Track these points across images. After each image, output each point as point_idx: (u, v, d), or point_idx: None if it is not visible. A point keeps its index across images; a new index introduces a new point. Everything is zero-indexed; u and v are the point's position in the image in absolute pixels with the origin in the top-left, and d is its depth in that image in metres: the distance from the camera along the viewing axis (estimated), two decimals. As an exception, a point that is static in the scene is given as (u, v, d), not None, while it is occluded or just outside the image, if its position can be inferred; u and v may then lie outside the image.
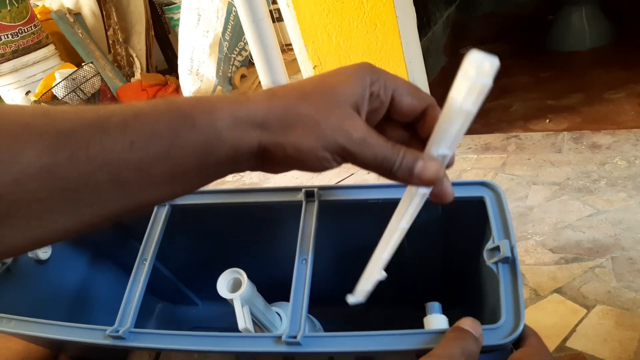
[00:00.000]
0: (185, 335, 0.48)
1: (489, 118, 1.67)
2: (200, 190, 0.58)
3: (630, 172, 1.21)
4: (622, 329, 0.86)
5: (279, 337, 0.44)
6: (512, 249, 0.44)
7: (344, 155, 0.30)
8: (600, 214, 1.11)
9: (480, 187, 0.52)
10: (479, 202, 0.51)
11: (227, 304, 0.55)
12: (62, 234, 0.26)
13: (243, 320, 0.51)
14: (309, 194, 0.54)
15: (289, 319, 0.45)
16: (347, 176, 1.59)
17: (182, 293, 0.90)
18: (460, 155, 1.50)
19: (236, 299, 0.53)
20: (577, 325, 0.89)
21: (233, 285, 0.54)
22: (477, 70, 0.29)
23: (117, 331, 0.49)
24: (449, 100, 0.31)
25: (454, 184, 0.51)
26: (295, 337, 0.43)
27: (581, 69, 1.84)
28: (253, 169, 0.31)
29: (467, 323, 0.39)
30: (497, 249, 0.45)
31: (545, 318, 0.93)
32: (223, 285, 0.54)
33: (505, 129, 1.57)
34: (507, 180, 1.31)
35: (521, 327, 0.40)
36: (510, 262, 0.44)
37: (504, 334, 0.40)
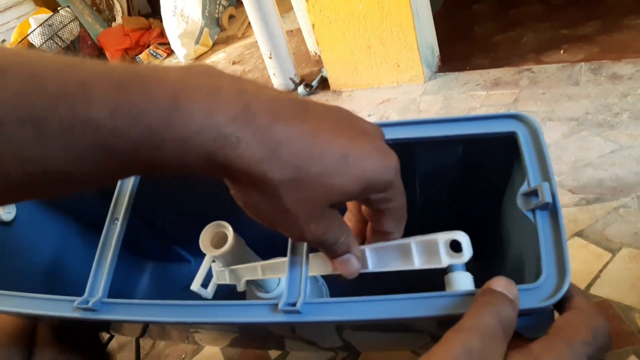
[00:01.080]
0: (165, 305, 0.42)
1: (498, 52, 1.56)
2: None
3: (655, 103, 1.11)
4: (652, 273, 0.79)
5: (275, 305, 0.37)
6: (553, 193, 0.37)
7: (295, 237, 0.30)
8: (624, 149, 1.03)
9: (511, 120, 0.44)
10: (509, 138, 0.43)
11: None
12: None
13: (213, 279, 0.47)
14: None
15: (287, 281, 0.39)
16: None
17: (173, 251, 0.85)
18: (468, 92, 1.39)
19: (217, 256, 0.46)
20: (601, 270, 0.82)
21: (218, 241, 0.48)
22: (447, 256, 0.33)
23: (87, 302, 0.43)
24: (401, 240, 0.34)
25: (480, 118, 0.44)
26: (294, 304, 0.37)
27: (596, -5, 1.70)
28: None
29: (501, 284, 0.32)
30: (533, 193, 0.38)
31: (567, 264, 0.86)
32: (207, 240, 0.48)
33: (516, 62, 1.45)
34: (520, 117, 1.22)
35: (566, 287, 0.32)
36: (551, 208, 0.37)
37: (546, 294, 0.33)
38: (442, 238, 0.35)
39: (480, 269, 0.48)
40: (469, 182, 0.55)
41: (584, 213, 0.93)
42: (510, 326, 0.29)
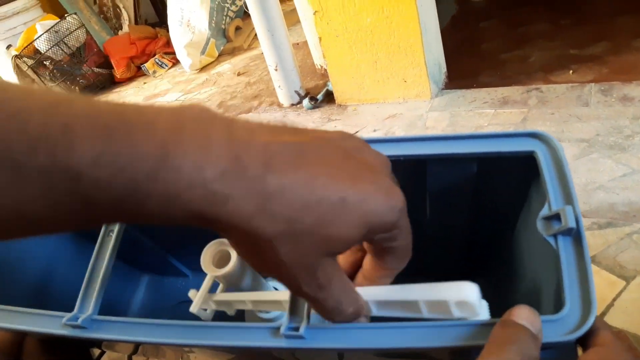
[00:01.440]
0: (159, 325, 0.40)
1: (505, 70, 1.54)
2: None
3: (666, 126, 1.09)
4: (668, 302, 0.77)
5: (277, 329, 0.35)
6: (576, 217, 0.34)
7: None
8: (636, 173, 1.01)
9: (529, 139, 0.42)
10: (527, 158, 0.41)
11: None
12: None
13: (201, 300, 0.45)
14: None
15: (289, 303, 0.36)
16: (353, 133, 1.47)
17: (170, 264, 0.83)
18: (475, 110, 1.37)
19: (218, 277, 0.44)
20: (615, 299, 0.80)
21: (219, 260, 0.46)
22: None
23: (77, 319, 0.41)
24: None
25: (496, 136, 0.42)
26: (297, 329, 0.34)
27: (606, 15, 1.69)
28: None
29: (523, 315, 0.29)
30: (555, 217, 0.36)
31: (577, 291, 0.84)
32: (208, 259, 0.45)
33: (524, 81, 1.43)
34: (528, 137, 1.20)
35: (592, 320, 0.30)
36: (574, 234, 0.34)
37: (569, 327, 0.30)
38: (453, 299, 0.32)
39: (491, 290, 0.45)
40: (482, 202, 0.53)
41: (595, 238, 0.90)
42: None
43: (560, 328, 0.30)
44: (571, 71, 1.42)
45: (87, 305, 0.43)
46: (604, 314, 0.77)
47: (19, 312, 0.44)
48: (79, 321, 0.40)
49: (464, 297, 0.32)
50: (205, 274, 0.75)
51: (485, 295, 0.37)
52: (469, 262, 0.59)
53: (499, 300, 0.34)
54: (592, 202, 0.97)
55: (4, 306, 0.45)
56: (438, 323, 0.32)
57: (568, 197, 0.37)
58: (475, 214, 0.55)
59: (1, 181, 0.19)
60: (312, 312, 0.35)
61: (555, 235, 0.35)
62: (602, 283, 0.82)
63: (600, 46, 1.51)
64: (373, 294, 0.34)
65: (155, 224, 0.23)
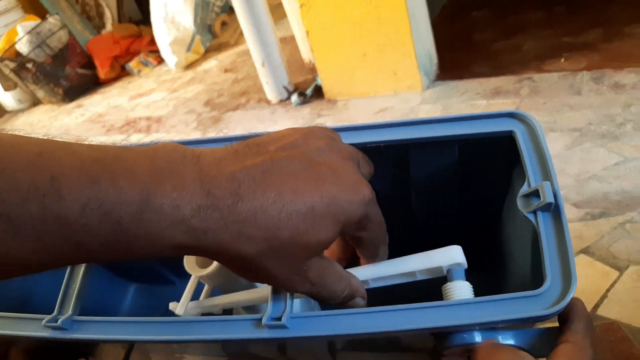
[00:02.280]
0: (142, 323, 0.39)
1: (497, 60, 1.52)
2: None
3: (660, 113, 1.08)
4: (662, 292, 0.76)
5: (259, 320, 0.34)
6: (554, 193, 0.35)
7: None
8: (628, 161, 0.99)
9: (508, 119, 0.43)
10: (507, 138, 0.42)
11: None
12: None
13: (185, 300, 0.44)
14: None
15: (271, 295, 0.36)
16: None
17: (156, 271, 0.81)
18: (468, 101, 1.35)
19: (203, 277, 0.44)
20: (608, 290, 0.79)
21: (203, 260, 0.45)
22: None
23: (56, 320, 0.41)
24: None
25: (476, 117, 0.43)
26: (279, 318, 0.34)
27: (599, 2, 1.67)
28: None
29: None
30: (534, 194, 0.36)
31: (572, 283, 0.82)
32: (192, 259, 0.45)
33: (517, 71, 1.41)
34: (521, 128, 1.18)
35: (572, 292, 0.31)
36: (553, 209, 0.35)
37: (550, 301, 0.31)
38: (445, 263, 0.36)
39: (484, 277, 0.46)
40: (468, 186, 0.53)
41: (589, 228, 0.89)
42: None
43: (542, 302, 0.30)
44: (563, 59, 1.41)
45: (67, 307, 0.43)
46: (597, 305, 0.76)
47: (0, 317, 0.44)
48: (59, 322, 0.40)
49: (454, 259, 0.35)
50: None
51: (479, 280, 0.38)
52: (470, 253, 0.59)
53: (494, 284, 0.34)
54: (585, 192, 0.95)
55: None
56: (420, 305, 0.32)
57: (546, 173, 0.38)
58: (462, 199, 0.54)
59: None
60: (295, 300, 0.36)
61: (535, 212, 0.35)
62: (596, 274, 0.81)
63: (593, 33, 1.49)
64: (372, 272, 0.36)
65: (148, 259, 0.23)
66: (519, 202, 0.37)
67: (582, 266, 0.84)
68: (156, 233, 0.23)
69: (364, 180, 0.30)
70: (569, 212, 0.94)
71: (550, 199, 0.34)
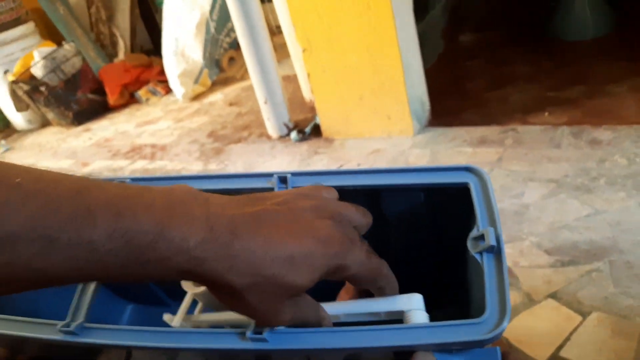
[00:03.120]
0: (143, 331, 0.44)
1: (486, 109, 1.61)
2: (169, 176, 0.56)
3: (630, 170, 1.15)
4: (619, 338, 0.81)
5: (243, 333, 0.39)
6: (497, 237, 0.41)
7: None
8: (599, 214, 1.06)
9: (465, 172, 0.49)
10: (464, 188, 0.48)
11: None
12: None
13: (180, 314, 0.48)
14: (282, 179, 0.50)
15: None
16: (338, 166, 1.52)
17: (151, 293, 0.86)
18: (455, 148, 1.43)
19: (197, 294, 0.48)
20: (572, 333, 0.84)
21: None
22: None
23: (69, 326, 0.45)
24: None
25: (437, 169, 0.49)
26: (261, 332, 0.38)
27: (583, 60, 1.77)
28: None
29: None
30: (481, 237, 0.42)
31: (539, 325, 0.88)
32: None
33: (503, 121, 1.50)
34: (503, 176, 1.25)
35: (506, 322, 0.36)
36: (496, 251, 0.41)
37: (488, 328, 0.37)
38: (407, 308, 0.42)
39: (455, 310, 0.52)
40: (438, 227, 0.58)
41: (558, 275, 0.95)
42: None
43: (482, 329, 0.36)
44: (547, 113, 1.49)
45: (79, 314, 0.47)
46: (561, 347, 0.82)
47: (18, 321, 0.48)
48: (72, 327, 0.44)
49: (414, 306, 0.41)
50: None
51: (450, 315, 0.42)
52: (437, 288, 0.64)
53: (462, 316, 0.39)
54: (556, 240, 1.02)
55: (4, 315, 0.49)
56: (386, 327, 0.38)
57: (492, 220, 0.43)
58: (431, 240, 0.60)
59: (37, 249, 0.25)
60: None
61: (481, 252, 0.41)
62: (561, 318, 0.86)
63: (576, 90, 1.58)
64: (343, 308, 0.42)
65: (156, 282, 0.29)
66: (469, 244, 0.43)
67: (549, 310, 0.90)
68: (165, 259, 0.28)
69: (339, 236, 0.34)
70: (540, 259, 1.00)
71: (493, 242, 0.40)
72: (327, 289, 0.43)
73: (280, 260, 0.31)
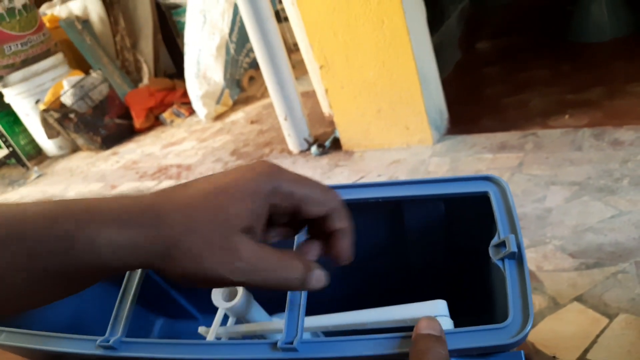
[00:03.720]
0: (175, 344, 0.46)
1: (505, 114, 1.61)
2: None
3: (655, 169, 1.14)
4: (648, 340, 0.80)
5: (275, 344, 0.41)
6: (518, 244, 0.42)
7: (234, 283, 0.31)
8: (623, 215, 1.05)
9: (484, 181, 0.50)
10: (484, 197, 0.49)
11: (228, 317, 0.54)
12: None
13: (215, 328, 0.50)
14: None
15: (286, 324, 0.43)
16: (357, 179, 1.54)
17: (181, 307, 0.89)
18: (475, 155, 1.44)
19: (228, 309, 0.51)
20: (598, 335, 0.84)
21: (229, 295, 0.53)
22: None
23: (108, 341, 0.47)
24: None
25: (457, 180, 0.50)
26: (291, 342, 0.40)
27: (602, 61, 1.76)
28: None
29: (424, 325, 0.37)
30: (503, 244, 0.43)
31: (565, 328, 0.88)
32: (218, 294, 0.52)
33: (523, 126, 1.50)
34: (524, 181, 1.25)
35: (529, 326, 0.37)
36: (517, 257, 0.42)
37: (512, 333, 0.37)
38: (432, 314, 0.42)
39: (474, 318, 0.52)
40: (456, 237, 0.59)
41: (583, 278, 0.94)
42: None
43: (506, 334, 0.37)
44: (567, 116, 1.48)
45: (117, 329, 0.48)
46: (587, 350, 0.81)
47: (58, 337, 0.50)
48: (111, 342, 0.46)
49: (439, 312, 0.42)
50: (213, 316, 0.82)
51: (473, 320, 0.44)
52: (455, 296, 0.65)
53: (484, 322, 0.39)
54: (581, 243, 1.01)
55: (44, 332, 0.52)
56: (410, 334, 0.39)
57: (513, 227, 0.44)
58: (452, 248, 0.61)
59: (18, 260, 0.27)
60: (305, 331, 0.42)
61: (502, 259, 0.42)
62: (587, 321, 0.86)
63: (596, 91, 1.57)
64: (371, 316, 0.43)
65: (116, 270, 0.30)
66: (491, 251, 0.44)
67: (575, 313, 0.89)
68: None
69: (267, 164, 0.33)
70: (565, 262, 0.99)
71: (514, 249, 0.41)
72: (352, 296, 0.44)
73: (211, 195, 0.30)
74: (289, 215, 0.35)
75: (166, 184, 2.02)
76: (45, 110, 2.56)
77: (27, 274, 0.28)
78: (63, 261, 0.28)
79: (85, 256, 0.28)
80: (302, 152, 1.83)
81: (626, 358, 0.78)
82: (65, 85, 2.51)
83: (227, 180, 0.31)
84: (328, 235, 0.36)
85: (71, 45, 3.01)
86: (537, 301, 0.95)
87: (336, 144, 1.76)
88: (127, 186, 2.16)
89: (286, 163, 1.80)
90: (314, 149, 1.76)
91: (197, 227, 0.29)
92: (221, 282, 0.31)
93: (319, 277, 0.34)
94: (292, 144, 1.83)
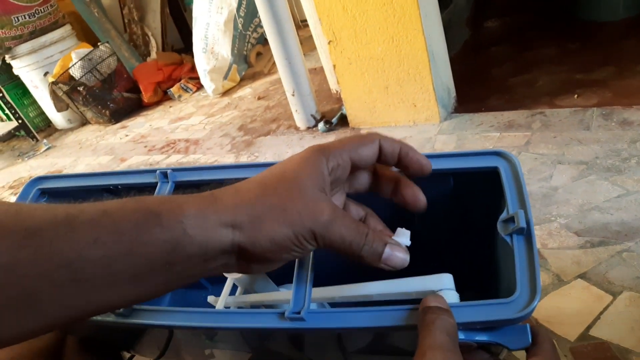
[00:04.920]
0: (187, 312, 0.47)
1: (513, 94, 1.60)
2: (202, 166, 0.59)
3: (663, 150, 1.14)
4: (651, 317, 0.81)
5: (282, 313, 0.42)
6: (527, 219, 0.42)
7: (315, 238, 0.32)
8: (630, 194, 1.05)
9: (494, 156, 0.50)
10: (493, 173, 0.49)
11: (237, 287, 0.55)
12: (18, 337, 0.26)
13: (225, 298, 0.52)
14: None
15: (293, 294, 0.43)
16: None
17: None
18: (482, 133, 1.44)
19: (237, 279, 0.52)
20: (602, 312, 0.84)
21: None
22: None
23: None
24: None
25: (467, 154, 0.50)
26: (299, 312, 0.41)
27: (613, 40, 1.74)
28: (227, 269, 0.32)
29: (431, 299, 0.38)
30: (511, 220, 0.43)
31: (568, 304, 0.89)
32: None
33: (530, 105, 1.49)
34: (531, 160, 1.25)
35: (536, 301, 0.37)
36: (526, 233, 0.42)
37: (519, 307, 0.37)
38: (437, 288, 0.42)
39: (480, 291, 0.53)
40: (465, 212, 0.60)
41: (588, 256, 0.95)
42: (455, 331, 0.35)
43: (512, 308, 0.37)
44: (576, 95, 1.48)
45: None
46: (590, 326, 0.82)
47: None
48: (121, 309, 0.48)
49: (445, 285, 0.42)
50: (223, 286, 0.84)
51: (478, 294, 0.45)
52: (463, 271, 0.67)
53: (489, 297, 0.40)
54: (587, 222, 1.02)
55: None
56: (414, 306, 0.39)
57: (522, 203, 0.44)
58: (461, 223, 0.62)
59: (122, 247, 0.28)
60: (312, 302, 0.43)
61: (511, 235, 0.42)
62: (591, 298, 0.87)
63: (605, 70, 1.56)
64: (377, 288, 0.44)
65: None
66: (499, 226, 0.44)
67: (579, 290, 0.91)
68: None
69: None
70: (570, 240, 1.00)
71: (523, 225, 0.41)
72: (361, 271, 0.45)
73: (277, 172, 0.34)
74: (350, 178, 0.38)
75: (174, 158, 2.03)
76: (54, 83, 2.57)
77: (132, 264, 0.29)
78: (164, 249, 0.29)
79: (172, 234, 0.29)
80: (309, 128, 1.83)
81: (629, 335, 0.79)
82: (74, 58, 2.51)
83: (286, 164, 0.34)
84: (395, 186, 0.40)
85: (79, 17, 3.00)
86: (542, 278, 0.96)
87: (343, 121, 1.76)
88: (136, 159, 2.18)
89: (293, 139, 1.81)
90: (321, 125, 1.76)
91: (274, 189, 0.32)
92: (306, 238, 0.32)
93: (393, 254, 0.36)
94: (300, 120, 1.84)
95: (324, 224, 0.32)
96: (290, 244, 0.32)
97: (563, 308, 0.89)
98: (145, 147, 2.28)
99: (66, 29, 2.85)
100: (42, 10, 2.74)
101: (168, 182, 0.56)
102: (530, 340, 0.38)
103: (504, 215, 0.44)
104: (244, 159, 1.82)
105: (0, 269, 0.24)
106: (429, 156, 0.50)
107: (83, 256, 0.26)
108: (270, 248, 0.31)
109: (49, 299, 0.26)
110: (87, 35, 3.02)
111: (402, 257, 0.36)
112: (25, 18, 2.68)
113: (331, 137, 1.72)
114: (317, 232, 0.32)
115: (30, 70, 2.79)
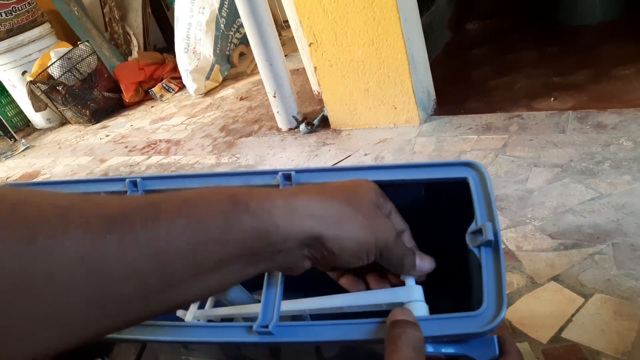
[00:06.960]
0: (156, 326, 0.46)
1: (492, 96, 1.62)
2: (172, 175, 0.58)
3: (635, 153, 1.16)
4: (621, 320, 0.82)
5: (250, 327, 0.41)
6: (495, 232, 0.41)
7: (382, 252, 0.36)
8: (603, 197, 1.07)
9: (464, 167, 0.50)
10: (463, 183, 0.49)
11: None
12: (95, 332, 0.24)
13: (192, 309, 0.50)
14: (286, 176, 0.52)
15: (262, 307, 0.43)
16: (344, 158, 1.55)
17: None
18: (460, 135, 1.45)
19: None
20: (573, 315, 0.86)
21: None
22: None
23: None
24: None
25: (438, 165, 0.50)
26: (267, 326, 0.40)
27: (590, 44, 1.76)
28: (298, 263, 0.34)
29: (398, 314, 0.38)
30: (479, 232, 0.43)
31: (541, 307, 0.90)
32: None
33: (508, 108, 1.51)
34: (507, 162, 1.27)
35: (502, 314, 0.37)
36: (493, 245, 0.42)
37: (485, 321, 0.38)
38: (407, 300, 0.42)
39: (453, 303, 0.53)
40: (437, 222, 0.60)
41: (561, 258, 0.97)
42: (422, 345, 0.36)
43: (479, 321, 0.37)
44: (552, 98, 1.50)
45: None
46: (562, 328, 0.83)
47: None
48: None
49: (414, 297, 0.42)
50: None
51: (452, 306, 0.45)
52: (436, 281, 0.67)
53: (463, 308, 0.40)
54: (560, 224, 1.03)
55: None
56: (384, 319, 0.39)
57: (490, 215, 0.43)
58: (433, 234, 0.62)
59: (211, 235, 0.28)
60: (283, 314, 0.43)
61: (479, 247, 0.42)
62: (564, 300, 0.88)
63: (582, 74, 1.58)
64: (346, 300, 0.44)
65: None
66: (468, 238, 0.43)
67: (552, 292, 0.92)
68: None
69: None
70: (544, 242, 1.02)
71: (491, 237, 0.40)
72: (327, 282, 0.45)
73: (338, 186, 0.37)
74: None
75: (155, 159, 2.02)
76: (32, 82, 2.53)
77: (220, 252, 0.28)
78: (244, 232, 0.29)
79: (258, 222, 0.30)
80: (290, 129, 1.83)
81: (599, 337, 0.80)
82: (53, 57, 2.48)
83: (351, 183, 0.37)
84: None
85: (58, 15, 2.96)
86: (515, 280, 0.97)
87: (325, 123, 1.76)
88: (116, 160, 2.15)
89: (275, 140, 1.81)
90: (302, 127, 1.77)
91: (354, 201, 0.35)
92: (377, 249, 0.35)
93: (423, 263, 0.41)
94: (281, 122, 1.83)
95: (393, 241, 0.36)
96: (365, 250, 0.34)
97: (536, 310, 0.90)
98: (126, 147, 2.26)
99: (45, 27, 2.81)
100: (20, 7, 2.69)
101: (138, 190, 0.55)
102: (497, 352, 0.39)
103: (472, 227, 0.44)
104: (225, 160, 1.82)
105: (80, 257, 0.22)
106: (402, 166, 0.51)
107: (170, 247, 0.25)
108: (349, 247, 0.34)
109: (129, 291, 0.24)
110: (66, 33, 2.98)
111: (430, 262, 0.40)
112: (1, 16, 2.63)
113: (312, 139, 1.72)
114: (389, 247, 0.36)
115: (7, 69, 2.75)
